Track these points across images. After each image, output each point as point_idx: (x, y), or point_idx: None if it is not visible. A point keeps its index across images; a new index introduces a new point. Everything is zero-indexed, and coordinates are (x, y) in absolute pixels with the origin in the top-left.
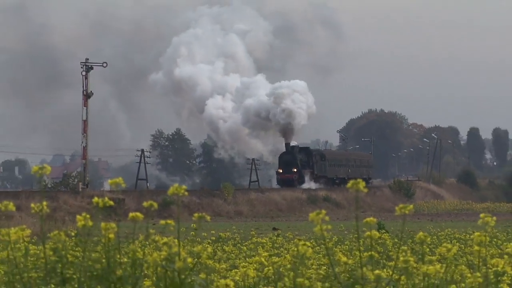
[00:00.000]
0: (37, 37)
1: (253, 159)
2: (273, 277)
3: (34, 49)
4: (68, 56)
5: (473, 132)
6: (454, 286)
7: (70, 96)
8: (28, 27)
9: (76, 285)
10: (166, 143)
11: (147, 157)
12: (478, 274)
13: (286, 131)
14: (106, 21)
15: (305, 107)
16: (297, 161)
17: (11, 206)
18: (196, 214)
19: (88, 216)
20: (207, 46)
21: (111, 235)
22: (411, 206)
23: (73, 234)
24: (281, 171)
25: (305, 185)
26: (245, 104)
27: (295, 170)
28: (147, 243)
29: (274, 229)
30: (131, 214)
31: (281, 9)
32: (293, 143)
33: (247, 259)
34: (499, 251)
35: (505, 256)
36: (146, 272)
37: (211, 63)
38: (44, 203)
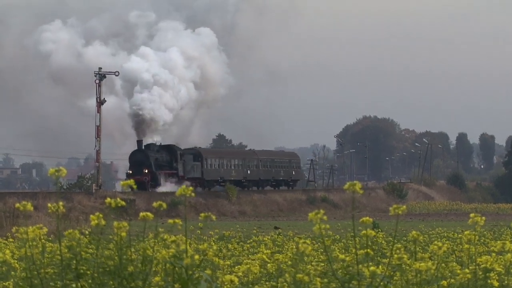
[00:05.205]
0: None
1: None
2: (274, 273)
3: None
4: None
5: (462, 137)
6: (444, 282)
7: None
8: None
9: (89, 281)
10: None
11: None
12: (467, 270)
13: (139, 126)
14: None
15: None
16: (150, 161)
17: (29, 206)
18: (202, 214)
19: (101, 215)
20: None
21: (123, 234)
22: (404, 206)
23: (87, 232)
24: (131, 172)
25: (162, 189)
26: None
27: (147, 171)
28: (157, 241)
29: (276, 227)
30: (141, 214)
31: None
32: (153, 140)
33: (250, 256)
34: (486, 249)
35: (493, 254)
36: (155, 268)
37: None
38: (60, 203)
